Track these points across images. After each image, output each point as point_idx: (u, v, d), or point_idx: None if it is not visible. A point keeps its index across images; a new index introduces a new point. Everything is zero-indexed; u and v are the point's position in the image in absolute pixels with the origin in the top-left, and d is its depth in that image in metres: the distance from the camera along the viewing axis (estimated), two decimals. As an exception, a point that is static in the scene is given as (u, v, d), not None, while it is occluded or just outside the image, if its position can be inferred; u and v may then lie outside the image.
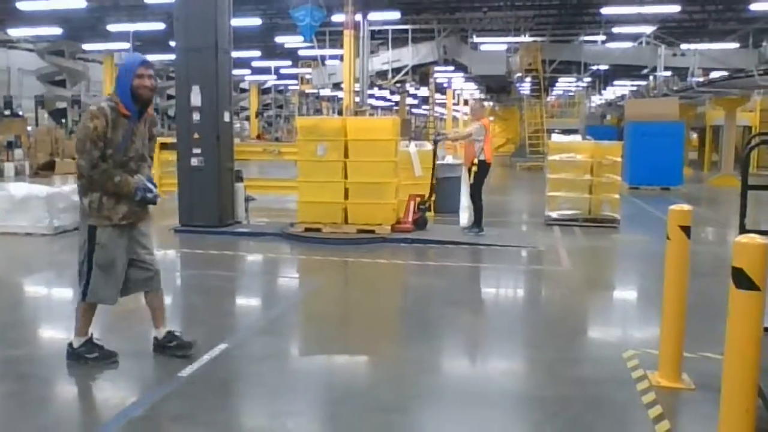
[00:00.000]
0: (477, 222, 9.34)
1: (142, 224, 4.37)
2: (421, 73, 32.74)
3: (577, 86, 41.78)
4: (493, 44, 28.59)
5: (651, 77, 30.38)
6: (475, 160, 9.17)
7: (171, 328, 4.56)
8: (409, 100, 44.34)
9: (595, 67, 30.44)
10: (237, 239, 9.21)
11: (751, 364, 2.92)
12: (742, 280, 2.88)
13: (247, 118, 45.07)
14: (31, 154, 20.38)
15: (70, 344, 4.35)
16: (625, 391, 4.02)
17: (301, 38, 22.94)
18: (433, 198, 9.96)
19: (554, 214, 10.83)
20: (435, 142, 10.06)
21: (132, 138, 4.18)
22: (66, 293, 6.89)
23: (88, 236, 4.18)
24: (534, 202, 12.49)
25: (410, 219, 9.38)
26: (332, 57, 28.30)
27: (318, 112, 47.05)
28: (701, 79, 23.06)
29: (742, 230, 3.80)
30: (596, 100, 44.64)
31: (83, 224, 4.24)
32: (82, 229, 4.25)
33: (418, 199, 9.55)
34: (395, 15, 23.82)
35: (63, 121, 30.17)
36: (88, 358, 4.28)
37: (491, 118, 40.87)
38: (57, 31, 26.44)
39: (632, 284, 7.62)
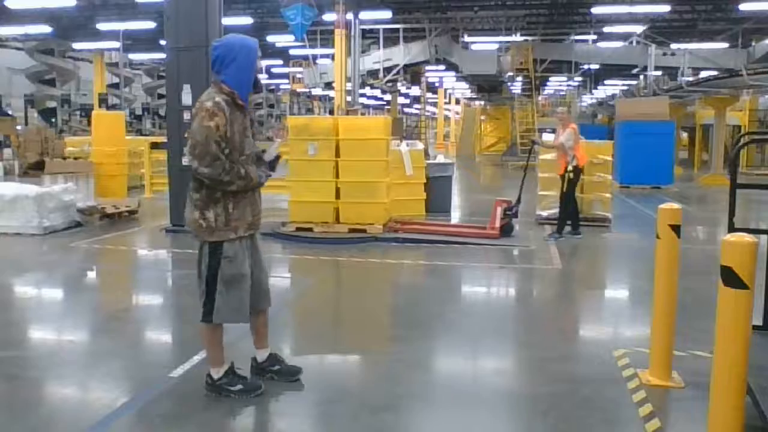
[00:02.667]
0: (561, 228, 9.50)
1: (256, 236, 3.95)
2: (413, 72, 32.80)
3: (568, 85, 41.95)
4: (484, 43, 28.66)
5: (641, 76, 30.54)
6: (570, 167, 9.28)
7: (271, 349, 4.18)
8: (401, 100, 44.38)
9: (585, 67, 30.58)
10: (228, 239, 9.15)
11: (740, 362, 2.94)
12: (731, 278, 2.89)
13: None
14: (21, 153, 20.23)
15: (209, 375, 3.89)
16: (616, 390, 4.04)
17: (292, 37, 22.90)
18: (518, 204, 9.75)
19: (545, 213, 10.84)
20: (533, 143, 10.96)
21: (246, 132, 3.70)
22: (55, 294, 6.88)
23: (209, 253, 3.68)
24: (525, 201, 12.50)
25: (497, 225, 9.26)
26: (323, 56, 28.29)
27: (309, 111, 46.98)
28: (691, 79, 23.20)
29: (731, 229, 3.81)
30: (587, 99, 44.82)
31: (202, 243, 3.72)
32: (201, 247, 3.73)
33: (504, 205, 9.40)
34: (386, 14, 23.84)
35: (53, 120, 29.98)
36: (231, 391, 3.83)
37: (482, 117, 41.04)
38: (46, 29, 26.29)
39: (623, 283, 7.66)
